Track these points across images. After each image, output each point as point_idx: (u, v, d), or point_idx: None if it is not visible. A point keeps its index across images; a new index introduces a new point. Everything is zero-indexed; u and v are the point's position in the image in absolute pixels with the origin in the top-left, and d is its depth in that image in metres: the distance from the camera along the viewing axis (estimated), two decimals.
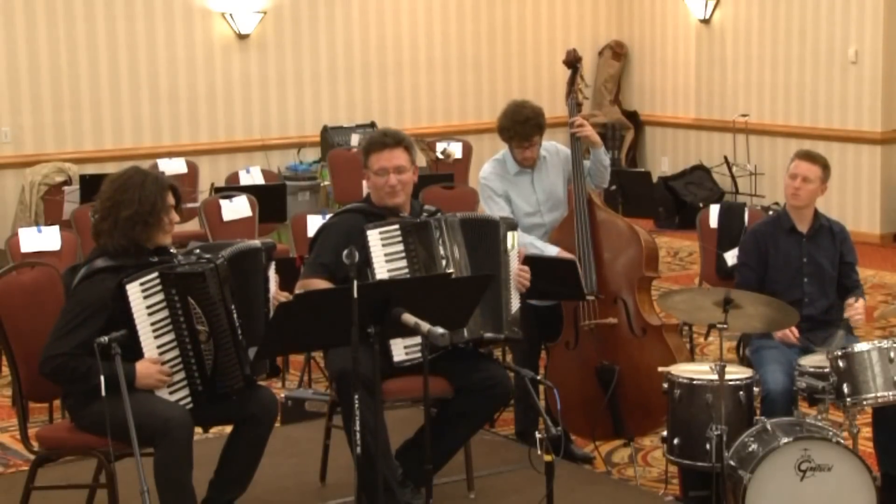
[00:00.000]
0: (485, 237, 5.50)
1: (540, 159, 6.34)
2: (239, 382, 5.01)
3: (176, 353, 4.94)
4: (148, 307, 4.86)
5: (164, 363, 4.89)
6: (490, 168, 6.38)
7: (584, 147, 6.35)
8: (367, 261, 5.20)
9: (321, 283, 5.29)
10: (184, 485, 4.83)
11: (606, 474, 6.16)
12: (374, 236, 5.28)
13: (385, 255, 5.27)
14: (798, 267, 5.96)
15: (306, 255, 5.67)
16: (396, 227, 5.33)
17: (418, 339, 5.18)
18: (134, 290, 4.84)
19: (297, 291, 5.37)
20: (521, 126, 6.21)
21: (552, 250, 6.16)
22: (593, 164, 6.38)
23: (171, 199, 5.02)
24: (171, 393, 4.93)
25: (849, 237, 6.12)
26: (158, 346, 4.90)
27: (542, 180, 6.36)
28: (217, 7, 11.75)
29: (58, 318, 4.89)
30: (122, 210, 4.90)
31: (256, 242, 5.27)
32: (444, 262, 5.37)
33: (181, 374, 4.96)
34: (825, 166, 6.02)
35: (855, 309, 5.80)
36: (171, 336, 4.92)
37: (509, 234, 5.54)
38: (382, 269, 5.27)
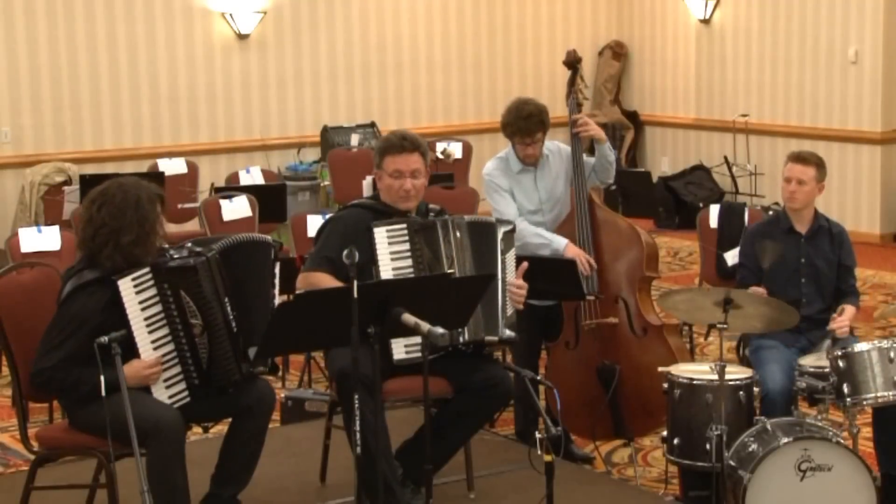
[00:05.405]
0: (484, 239, 5.49)
1: (543, 158, 6.34)
2: (235, 375, 5.01)
3: (171, 347, 4.94)
4: (140, 302, 4.86)
5: (159, 358, 4.89)
6: (494, 165, 6.38)
7: (587, 143, 6.34)
8: (372, 258, 5.20)
9: (324, 277, 5.29)
10: (175, 484, 4.82)
11: (606, 474, 6.16)
12: (380, 234, 5.28)
13: (391, 253, 5.27)
14: (796, 267, 5.95)
15: (306, 254, 5.67)
16: (404, 225, 5.33)
17: (419, 339, 5.19)
18: (126, 286, 4.83)
19: (299, 283, 5.38)
20: (523, 122, 6.21)
21: (560, 242, 6.14)
22: (598, 161, 6.36)
23: (159, 208, 5.02)
24: (167, 387, 4.93)
25: (847, 240, 6.09)
26: (153, 342, 4.90)
27: (544, 179, 6.35)
28: (217, 7, 11.75)
29: (47, 328, 4.89)
30: (123, 236, 4.87)
31: (260, 236, 5.26)
32: (447, 263, 5.36)
33: (177, 369, 4.96)
34: (819, 165, 5.98)
35: (838, 322, 5.75)
36: (165, 331, 4.92)
37: (504, 235, 5.53)
38: (387, 267, 5.27)
